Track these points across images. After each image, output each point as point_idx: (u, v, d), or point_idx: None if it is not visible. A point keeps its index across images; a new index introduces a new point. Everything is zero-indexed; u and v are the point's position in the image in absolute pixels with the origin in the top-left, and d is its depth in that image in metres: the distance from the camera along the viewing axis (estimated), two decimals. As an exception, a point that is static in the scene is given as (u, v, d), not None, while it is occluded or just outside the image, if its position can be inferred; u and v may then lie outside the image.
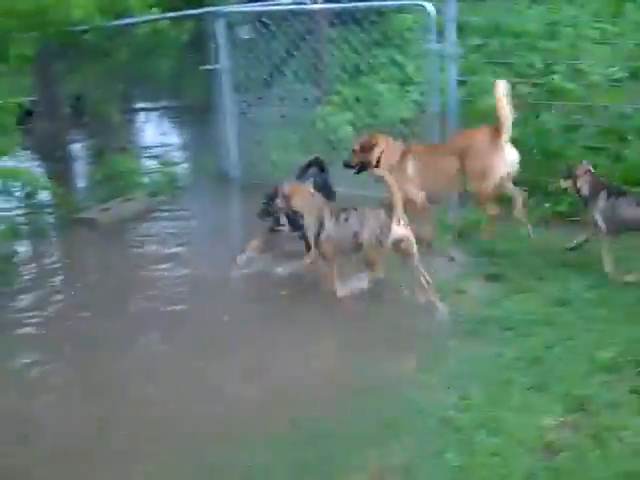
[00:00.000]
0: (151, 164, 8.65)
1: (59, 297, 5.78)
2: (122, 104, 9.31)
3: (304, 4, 8.14)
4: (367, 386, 4.41)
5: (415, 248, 5.22)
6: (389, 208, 5.20)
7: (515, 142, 6.08)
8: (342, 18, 8.19)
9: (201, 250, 6.59)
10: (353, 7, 7.77)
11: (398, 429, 3.99)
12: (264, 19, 8.03)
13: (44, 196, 7.47)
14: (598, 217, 5.51)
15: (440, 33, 6.80)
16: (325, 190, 6.02)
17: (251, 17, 8.02)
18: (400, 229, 5.18)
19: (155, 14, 6.59)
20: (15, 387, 4.64)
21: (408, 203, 5.69)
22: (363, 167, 6.37)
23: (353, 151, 6.45)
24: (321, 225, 5.44)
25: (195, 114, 9.07)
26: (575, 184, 5.66)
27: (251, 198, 7.22)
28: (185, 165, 8.69)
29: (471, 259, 6.03)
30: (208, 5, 8.27)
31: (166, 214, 7.51)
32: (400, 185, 5.46)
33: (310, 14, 8.28)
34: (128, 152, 8.73)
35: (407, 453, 3.80)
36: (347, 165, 6.50)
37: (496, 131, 5.95)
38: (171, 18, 7.27)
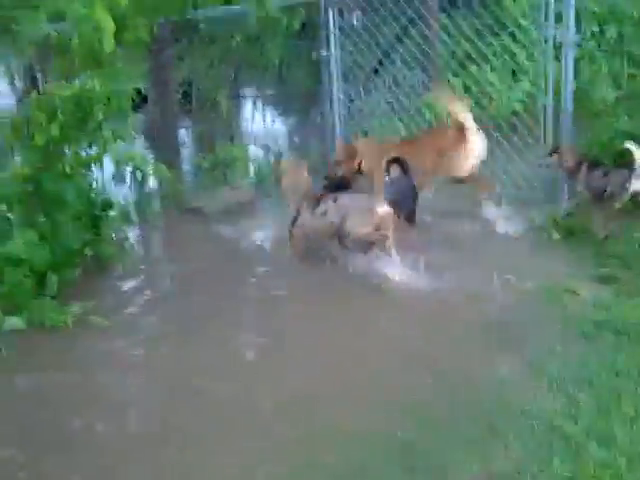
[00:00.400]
0: (258, 152, 8.73)
1: (166, 281, 5.92)
2: (230, 91, 9.42)
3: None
4: (471, 388, 4.31)
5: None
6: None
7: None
8: (455, 3, 8.03)
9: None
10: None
11: (503, 434, 3.89)
12: (375, 5, 7.96)
13: (154, 182, 7.67)
14: (581, 187, 6.34)
15: (556, 20, 6.60)
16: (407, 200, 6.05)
17: (362, 3, 7.94)
18: (382, 210, 5.53)
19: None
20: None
21: None
22: (342, 183, 6.45)
23: (336, 162, 6.50)
24: (298, 213, 5.86)
25: (302, 102, 9.08)
26: (560, 159, 6.46)
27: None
28: (291, 153, 8.70)
29: (581, 259, 5.83)
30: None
31: (272, 202, 7.56)
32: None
33: (422, -1, 8.15)
34: (235, 140, 8.83)
35: (513, 460, 3.70)
36: (328, 179, 6.56)
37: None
38: (283, 5, 7.29)
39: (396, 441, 3.87)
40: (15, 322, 5.14)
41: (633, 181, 5.98)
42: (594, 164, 6.32)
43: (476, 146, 6.64)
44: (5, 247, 5.31)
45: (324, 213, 5.73)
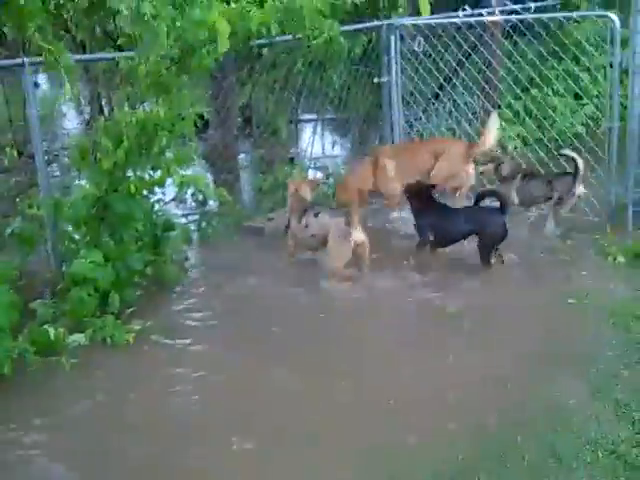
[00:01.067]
0: (317, 175, 8.78)
1: (226, 300, 5.98)
2: (290, 116, 9.52)
3: (480, 15, 7.97)
4: (535, 410, 4.25)
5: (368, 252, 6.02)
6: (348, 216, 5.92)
7: None
8: (518, 29, 7.99)
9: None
10: (535, 18, 7.57)
11: (566, 461, 3.80)
12: (437, 30, 7.98)
13: (213, 204, 7.76)
14: (513, 193, 6.98)
15: (622, 45, 6.59)
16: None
17: (424, 29, 7.97)
18: (358, 234, 5.92)
19: (328, 26, 6.67)
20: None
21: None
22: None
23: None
24: (289, 222, 6.42)
25: (362, 126, 9.12)
26: (497, 168, 7.14)
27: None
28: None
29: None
30: (383, 17, 8.33)
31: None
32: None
33: (484, 25, 8.13)
34: (294, 163, 8.90)
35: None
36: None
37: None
38: (346, 30, 7.36)
39: (457, 464, 3.82)
40: (78, 338, 5.24)
41: (577, 186, 6.73)
42: (529, 174, 7.15)
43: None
44: (72, 267, 5.44)
45: (306, 226, 6.23)
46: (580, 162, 6.70)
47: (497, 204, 6.13)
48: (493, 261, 6.17)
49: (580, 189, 6.78)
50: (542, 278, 6.09)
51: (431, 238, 6.36)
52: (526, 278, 6.11)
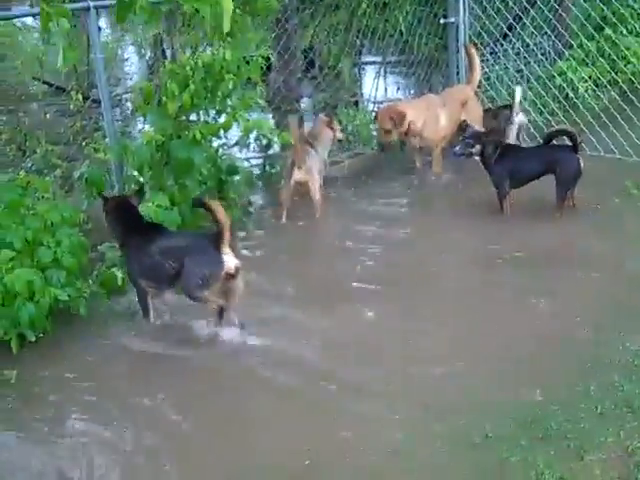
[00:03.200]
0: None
1: (288, 243, 6.03)
2: (354, 58, 9.35)
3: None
4: (605, 364, 4.16)
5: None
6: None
7: None
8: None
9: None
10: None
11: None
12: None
13: (277, 147, 7.70)
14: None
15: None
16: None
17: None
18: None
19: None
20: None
21: None
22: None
23: (385, 131, 7.02)
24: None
25: (427, 69, 8.90)
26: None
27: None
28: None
29: None
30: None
31: (396, 168, 7.48)
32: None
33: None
34: (358, 106, 8.77)
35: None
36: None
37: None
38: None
39: (528, 412, 3.78)
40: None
41: (515, 117, 6.97)
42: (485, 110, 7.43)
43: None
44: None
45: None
46: (518, 92, 6.98)
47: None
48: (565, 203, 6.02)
49: (519, 118, 7.04)
50: (614, 225, 5.92)
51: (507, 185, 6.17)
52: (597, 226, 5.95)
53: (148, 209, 5.34)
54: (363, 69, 10.22)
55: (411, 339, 4.55)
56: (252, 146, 7.73)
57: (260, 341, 4.60)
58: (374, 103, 8.91)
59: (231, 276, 4.53)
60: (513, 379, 4.09)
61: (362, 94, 9.66)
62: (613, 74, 7.78)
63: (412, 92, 9.72)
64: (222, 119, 5.97)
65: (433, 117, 7.02)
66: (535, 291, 4.99)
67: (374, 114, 7.41)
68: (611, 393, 3.88)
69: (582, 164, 5.91)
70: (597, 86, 8.05)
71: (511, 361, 4.25)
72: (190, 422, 3.96)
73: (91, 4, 5.50)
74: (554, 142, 6.15)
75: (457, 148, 6.38)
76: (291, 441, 3.73)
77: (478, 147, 6.22)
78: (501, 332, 4.57)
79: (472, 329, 4.65)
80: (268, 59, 6.41)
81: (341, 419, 3.87)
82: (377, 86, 9.06)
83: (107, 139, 5.95)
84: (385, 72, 9.63)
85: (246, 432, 3.87)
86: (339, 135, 6.91)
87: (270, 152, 7.51)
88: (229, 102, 5.82)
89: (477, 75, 7.51)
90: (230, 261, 4.52)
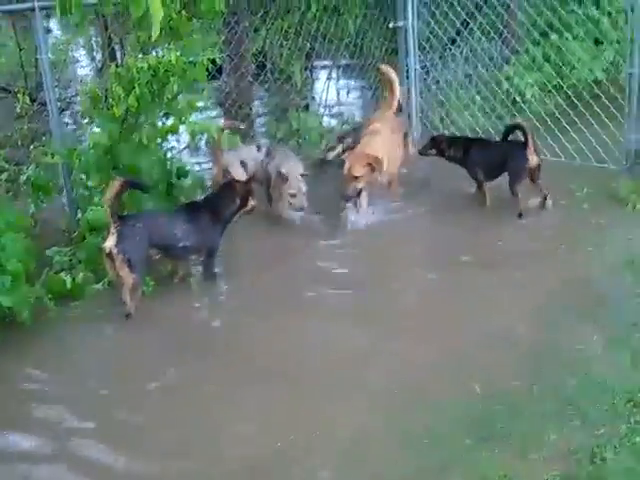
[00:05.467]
0: (331, 122, 8.70)
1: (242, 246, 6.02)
2: (305, 62, 9.38)
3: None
4: (552, 361, 4.25)
5: None
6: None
7: None
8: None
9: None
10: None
11: (583, 409, 3.80)
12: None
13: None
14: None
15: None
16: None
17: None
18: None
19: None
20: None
21: None
22: None
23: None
24: None
25: (377, 73, 8.97)
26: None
27: (430, 159, 7.10)
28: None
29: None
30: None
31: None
32: None
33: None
34: (310, 110, 8.81)
35: (592, 434, 3.62)
36: None
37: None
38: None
39: (472, 412, 3.84)
40: (95, 287, 5.26)
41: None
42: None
43: None
44: (87, 214, 5.42)
45: None
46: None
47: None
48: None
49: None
50: (560, 226, 6.05)
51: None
52: (540, 226, 6.08)
53: (96, 213, 5.29)
54: (314, 73, 10.25)
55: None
56: (202, 150, 7.75)
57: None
58: (325, 107, 8.96)
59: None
60: (458, 378, 4.15)
61: (313, 97, 9.70)
62: (559, 80, 7.91)
63: (365, 95, 9.80)
64: (170, 122, 5.95)
65: (392, 149, 6.63)
66: (483, 291, 5.09)
67: (344, 164, 6.36)
68: (555, 392, 3.95)
69: (533, 159, 6.10)
70: (543, 91, 8.19)
71: (456, 361, 4.32)
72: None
73: (36, 4, 5.45)
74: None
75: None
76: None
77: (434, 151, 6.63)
78: (449, 332, 4.64)
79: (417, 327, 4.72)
80: (215, 62, 6.38)
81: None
82: (328, 89, 9.11)
83: (54, 142, 5.87)
84: (337, 76, 9.68)
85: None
86: None
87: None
88: (176, 105, 5.78)
89: (396, 98, 7.03)
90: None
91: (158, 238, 5.10)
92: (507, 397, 3.93)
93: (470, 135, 7.30)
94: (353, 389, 4.12)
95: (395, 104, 7.02)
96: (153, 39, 5.14)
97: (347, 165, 6.19)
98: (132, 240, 4.92)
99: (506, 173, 6.24)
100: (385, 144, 6.49)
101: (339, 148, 7.37)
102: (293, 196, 6.12)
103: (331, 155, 7.45)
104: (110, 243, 4.89)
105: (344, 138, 7.46)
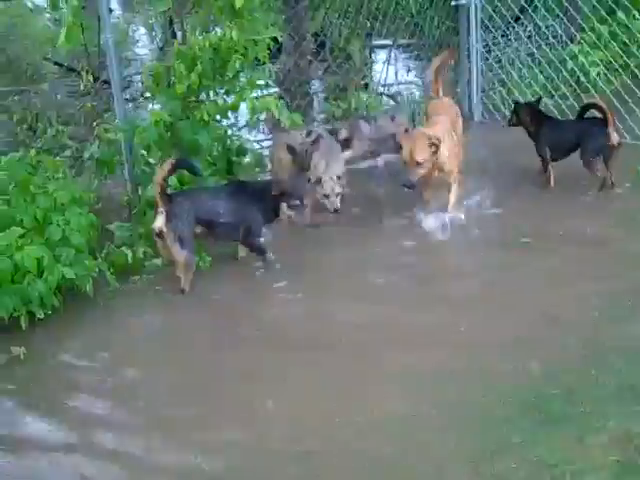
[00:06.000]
0: (390, 102, 8.64)
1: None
2: (365, 41, 9.32)
3: None
4: (608, 344, 4.17)
5: None
6: None
7: None
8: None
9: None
10: None
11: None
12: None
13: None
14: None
15: None
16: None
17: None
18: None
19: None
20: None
21: None
22: None
23: None
24: None
25: (438, 51, 8.85)
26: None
27: (492, 139, 7.02)
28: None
29: None
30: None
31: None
32: None
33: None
34: (368, 89, 8.76)
35: None
36: None
37: None
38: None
39: (530, 395, 3.81)
40: (155, 263, 5.35)
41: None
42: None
43: None
44: (147, 191, 5.51)
45: None
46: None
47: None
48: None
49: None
50: (624, 208, 5.94)
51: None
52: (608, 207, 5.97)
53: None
54: (373, 52, 10.17)
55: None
56: (262, 128, 7.77)
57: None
58: (384, 86, 8.90)
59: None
60: (516, 359, 4.11)
61: (372, 77, 9.63)
62: (625, 58, 7.71)
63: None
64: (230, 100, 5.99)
65: (452, 139, 5.98)
66: (543, 272, 5.03)
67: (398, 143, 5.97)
68: (614, 377, 3.89)
69: (615, 136, 6.00)
70: (609, 70, 7.99)
71: (514, 343, 4.28)
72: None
73: (101, -16, 5.52)
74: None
75: None
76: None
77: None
78: (507, 313, 4.60)
79: (476, 310, 4.68)
80: (277, 41, 6.39)
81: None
82: (387, 69, 9.04)
83: (117, 120, 5.97)
84: (396, 55, 9.60)
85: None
86: None
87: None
88: (237, 83, 5.81)
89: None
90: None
91: (202, 213, 5.13)
92: (565, 380, 3.89)
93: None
94: (410, 369, 4.12)
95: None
96: (238, 6, 5.17)
97: (406, 148, 5.64)
98: (181, 218, 4.97)
99: (579, 151, 6.12)
100: (447, 129, 5.95)
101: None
102: (326, 196, 5.86)
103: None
104: (159, 223, 4.94)
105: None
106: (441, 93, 6.47)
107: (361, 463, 3.46)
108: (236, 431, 3.75)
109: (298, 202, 5.40)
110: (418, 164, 5.58)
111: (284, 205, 5.34)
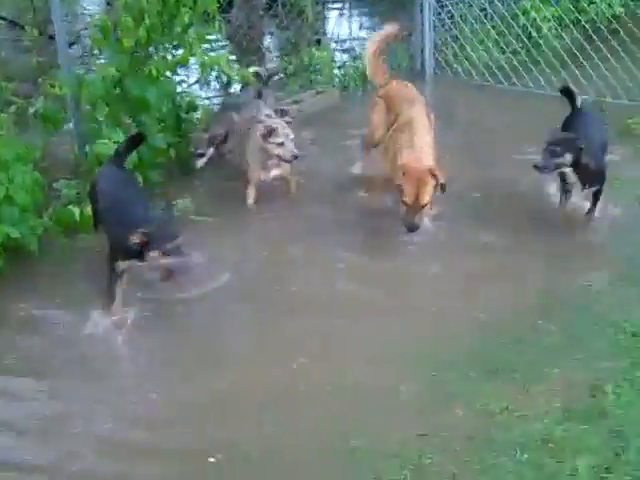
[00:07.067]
0: (343, 57, 8.58)
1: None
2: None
3: None
4: (557, 297, 4.27)
5: None
6: None
7: None
8: None
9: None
10: None
11: (586, 342, 3.82)
12: None
13: (237, 86, 7.59)
14: None
15: None
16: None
17: None
18: None
19: None
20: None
21: None
22: None
23: None
24: None
25: (391, 7, 8.80)
26: None
27: (442, 94, 7.01)
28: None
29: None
30: None
31: (357, 107, 7.42)
32: None
33: None
34: (321, 45, 8.66)
35: (594, 368, 3.64)
36: None
37: None
38: None
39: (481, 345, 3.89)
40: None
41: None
42: None
43: None
44: (95, 147, 5.39)
45: None
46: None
47: None
48: None
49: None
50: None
51: None
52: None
53: (104, 146, 5.27)
54: (327, 8, 10.05)
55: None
56: (213, 84, 7.66)
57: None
58: (337, 42, 8.82)
59: None
60: (464, 312, 4.19)
61: (325, 33, 9.53)
62: (576, 13, 7.74)
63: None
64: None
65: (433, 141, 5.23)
66: (498, 226, 5.08)
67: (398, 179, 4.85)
68: (560, 327, 3.97)
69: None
70: (560, 26, 8.01)
71: (465, 294, 4.35)
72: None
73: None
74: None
75: (540, 161, 4.71)
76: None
77: (569, 156, 4.68)
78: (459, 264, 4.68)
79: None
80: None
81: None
82: (341, 24, 8.95)
83: (62, 74, 5.81)
84: (350, 10, 9.51)
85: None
86: None
87: (231, 90, 7.41)
88: (187, 37, 5.70)
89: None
90: None
91: None
92: (512, 331, 3.97)
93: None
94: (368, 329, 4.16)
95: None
96: None
97: (409, 192, 4.76)
98: None
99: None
100: (430, 137, 5.16)
101: (210, 151, 6.07)
102: (281, 144, 5.26)
103: (200, 162, 6.04)
104: None
105: (216, 138, 6.10)
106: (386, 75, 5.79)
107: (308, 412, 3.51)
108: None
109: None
110: (423, 207, 4.84)
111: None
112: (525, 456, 3.16)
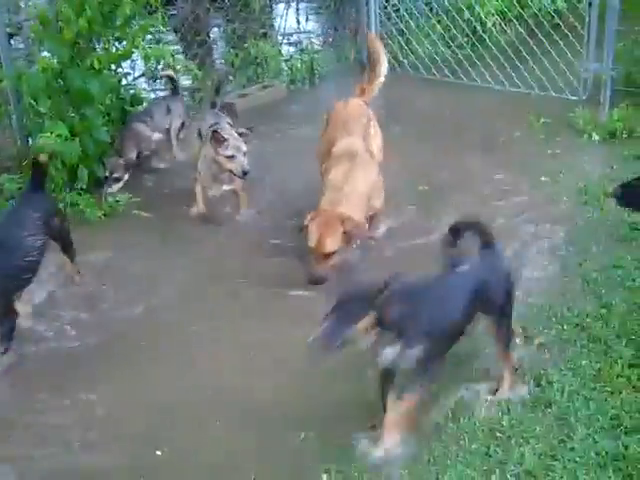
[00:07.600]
0: (290, 51, 8.55)
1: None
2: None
3: None
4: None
5: None
6: None
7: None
8: None
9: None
10: None
11: (532, 333, 3.89)
12: None
13: (185, 79, 7.50)
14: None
15: None
16: None
17: None
18: None
19: None
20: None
21: None
22: None
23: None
24: None
25: (336, 0, 8.79)
26: None
27: (387, 87, 7.00)
28: (324, 52, 8.44)
29: (621, 161, 5.74)
30: None
31: (304, 101, 7.41)
32: None
33: None
34: (268, 38, 8.62)
35: (539, 358, 3.71)
36: None
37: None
38: None
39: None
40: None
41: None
42: None
43: None
44: (37, 141, 5.29)
45: None
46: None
47: None
48: None
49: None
50: (517, 156, 6.05)
51: None
52: (497, 157, 6.06)
53: (47, 139, 5.17)
54: (273, 0, 10.00)
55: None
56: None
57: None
58: (283, 35, 8.79)
59: None
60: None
61: (272, 25, 9.48)
62: (519, 9, 7.84)
63: (324, 23, 9.58)
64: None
65: (376, 177, 4.81)
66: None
67: (304, 232, 4.46)
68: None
69: None
70: (504, 20, 8.10)
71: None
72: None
73: None
74: None
75: None
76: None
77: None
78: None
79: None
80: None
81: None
82: (287, 17, 8.92)
83: (3, 67, 5.69)
84: (297, 3, 9.48)
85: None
86: None
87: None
88: (129, 29, 5.62)
89: (379, 77, 5.47)
90: None
91: None
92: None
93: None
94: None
95: (372, 87, 5.44)
96: None
97: (313, 236, 4.36)
98: None
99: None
100: (367, 177, 4.67)
101: (126, 177, 5.74)
102: (231, 157, 4.92)
103: (116, 187, 5.68)
104: None
105: (131, 162, 5.83)
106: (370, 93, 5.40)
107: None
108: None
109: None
110: (327, 256, 4.37)
111: None
112: (473, 446, 3.21)
